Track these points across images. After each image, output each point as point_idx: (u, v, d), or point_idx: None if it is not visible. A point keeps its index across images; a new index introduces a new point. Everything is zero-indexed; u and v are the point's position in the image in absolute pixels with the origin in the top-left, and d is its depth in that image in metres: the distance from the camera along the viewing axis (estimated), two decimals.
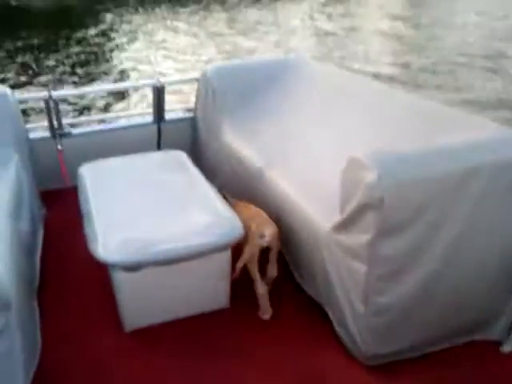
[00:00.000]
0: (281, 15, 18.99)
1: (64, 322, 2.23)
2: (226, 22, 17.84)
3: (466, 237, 1.79)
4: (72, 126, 3.55)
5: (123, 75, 10.92)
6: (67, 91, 4.15)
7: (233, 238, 2.08)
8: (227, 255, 2.16)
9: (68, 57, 12.98)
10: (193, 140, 3.58)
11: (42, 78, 10.51)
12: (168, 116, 3.61)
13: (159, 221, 2.13)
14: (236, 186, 2.79)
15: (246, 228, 2.14)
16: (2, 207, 2.20)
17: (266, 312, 2.23)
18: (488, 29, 14.31)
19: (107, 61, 12.84)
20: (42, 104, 3.25)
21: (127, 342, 2.12)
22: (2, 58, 12.98)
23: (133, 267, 2.00)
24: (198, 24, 17.60)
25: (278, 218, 2.38)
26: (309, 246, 2.16)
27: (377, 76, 8.52)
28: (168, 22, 18.10)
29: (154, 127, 3.57)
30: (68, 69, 11.72)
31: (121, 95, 8.64)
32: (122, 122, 3.90)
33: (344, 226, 1.86)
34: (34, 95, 3.73)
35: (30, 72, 11.38)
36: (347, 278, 1.89)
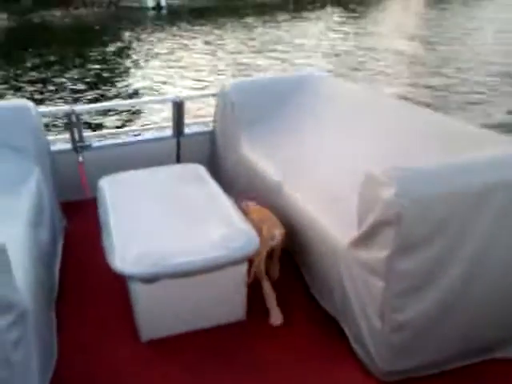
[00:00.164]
0: (297, 34, 19.02)
1: (81, 332, 2.25)
2: (243, 41, 17.97)
3: (485, 253, 1.76)
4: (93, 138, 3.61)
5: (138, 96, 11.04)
6: (89, 106, 4.26)
7: (249, 251, 2.09)
8: (244, 268, 2.17)
9: (84, 75, 13.20)
10: (211, 153, 3.61)
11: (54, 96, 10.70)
12: (187, 130, 3.66)
13: (176, 233, 2.15)
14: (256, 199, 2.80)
15: (258, 230, 2.19)
16: (23, 218, 2.24)
17: (276, 318, 2.25)
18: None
19: (123, 80, 12.99)
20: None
21: (143, 352, 2.12)
22: (16, 76, 13.23)
23: (150, 279, 2.02)
24: (213, 42, 17.76)
25: (295, 231, 2.39)
26: (326, 260, 2.15)
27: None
28: (186, 41, 18.24)
29: (174, 141, 3.62)
30: (82, 87, 11.85)
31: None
32: (142, 136, 3.96)
33: (362, 241, 1.85)
34: (57, 109, 3.82)
35: (43, 90, 11.59)
36: (364, 294, 1.87)
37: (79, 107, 3.35)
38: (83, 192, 3.30)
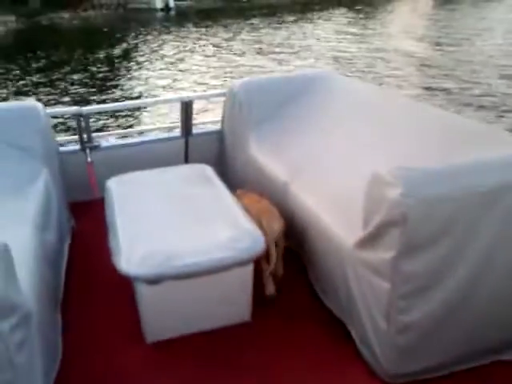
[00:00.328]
0: (303, 36, 18.91)
1: (86, 333, 2.25)
2: (250, 43, 17.93)
3: (492, 254, 1.75)
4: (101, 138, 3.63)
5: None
6: (97, 106, 4.29)
7: (255, 252, 2.09)
8: (249, 269, 2.16)
9: (88, 79, 13.24)
10: (220, 153, 3.62)
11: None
12: (195, 130, 3.66)
13: (182, 234, 2.15)
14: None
15: (257, 223, 2.23)
16: (29, 219, 2.25)
17: (270, 289, 2.36)
18: None
19: (127, 83, 13.01)
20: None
21: (149, 354, 2.12)
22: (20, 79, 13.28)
23: (155, 280, 2.02)
24: (219, 45, 17.74)
25: (302, 231, 2.39)
26: (331, 261, 2.15)
27: None
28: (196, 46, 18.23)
29: (182, 141, 3.63)
30: (84, 90, 11.86)
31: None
32: (151, 136, 3.97)
33: (367, 242, 1.84)
34: (66, 109, 3.84)
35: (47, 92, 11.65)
36: (370, 295, 1.86)
37: (87, 108, 3.37)
38: (92, 192, 3.32)
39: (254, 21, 23.63)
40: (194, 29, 22.24)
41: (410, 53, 14.58)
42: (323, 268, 2.27)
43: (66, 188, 3.06)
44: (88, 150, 3.36)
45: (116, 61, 15.83)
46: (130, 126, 8.51)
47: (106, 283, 2.55)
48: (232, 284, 2.17)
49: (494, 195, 1.69)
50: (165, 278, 2.02)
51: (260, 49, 16.54)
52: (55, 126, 7.42)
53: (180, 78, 13.06)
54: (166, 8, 31.23)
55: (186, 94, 3.56)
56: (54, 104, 10.31)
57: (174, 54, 16.57)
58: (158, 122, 8.57)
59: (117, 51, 17.36)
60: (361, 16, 24.31)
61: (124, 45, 18.63)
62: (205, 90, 10.67)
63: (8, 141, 2.73)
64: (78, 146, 3.39)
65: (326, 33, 19.35)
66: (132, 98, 10.99)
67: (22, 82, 12.92)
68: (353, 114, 2.88)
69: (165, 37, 20.23)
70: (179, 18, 27.33)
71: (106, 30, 23.41)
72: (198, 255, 2.03)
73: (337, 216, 2.19)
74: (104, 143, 3.50)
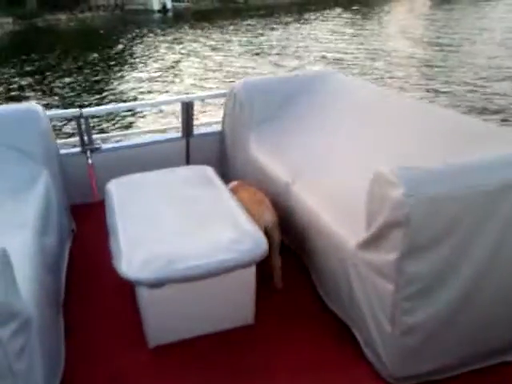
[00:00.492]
0: (300, 37, 18.85)
1: (88, 337, 2.24)
2: (246, 44, 17.89)
3: (496, 254, 1.73)
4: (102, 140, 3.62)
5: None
6: (98, 108, 4.29)
7: (258, 254, 2.07)
8: (252, 271, 2.14)
9: (82, 81, 13.20)
10: (221, 154, 3.61)
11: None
12: (196, 131, 3.65)
13: (184, 237, 2.14)
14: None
15: (249, 213, 2.30)
16: (29, 222, 2.23)
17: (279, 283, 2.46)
18: None
19: (119, 85, 12.99)
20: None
21: (151, 358, 2.11)
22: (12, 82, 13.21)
23: (156, 284, 2.00)
24: (215, 46, 17.70)
25: (304, 232, 2.39)
26: (334, 262, 2.13)
27: None
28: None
29: (183, 142, 3.62)
30: (73, 93, 11.81)
31: None
32: (151, 137, 3.96)
33: (370, 243, 1.83)
34: (66, 111, 3.82)
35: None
36: (373, 297, 1.85)
37: (88, 110, 3.37)
38: (92, 194, 3.31)
39: (251, 22, 23.66)
40: (191, 30, 22.26)
41: (409, 54, 14.53)
42: (325, 269, 2.25)
43: (67, 190, 3.04)
44: (88, 152, 3.35)
45: (110, 63, 15.83)
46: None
47: (107, 287, 2.54)
48: (235, 286, 2.15)
49: (498, 194, 1.67)
50: (166, 282, 2.00)
51: (256, 51, 16.52)
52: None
53: (174, 80, 13.04)
54: (164, 9, 31.26)
55: (185, 95, 3.54)
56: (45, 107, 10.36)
57: (169, 56, 16.56)
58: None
59: (111, 53, 17.37)
60: (358, 16, 24.33)
61: (119, 47, 18.65)
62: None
63: (8, 143, 2.71)
64: (78, 148, 3.37)
65: (323, 34, 19.35)
66: (123, 101, 10.97)
67: (12, 86, 12.89)
68: (355, 113, 2.87)
69: (161, 38, 20.26)
70: (176, 20, 27.35)
71: (102, 31, 23.42)
72: (199, 258, 2.01)
73: (339, 217, 2.17)
74: (105, 145, 3.48)
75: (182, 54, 16.75)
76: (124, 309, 2.37)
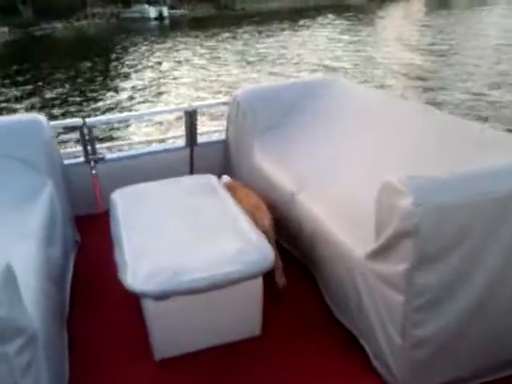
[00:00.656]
0: (295, 45, 18.82)
1: (93, 350, 2.21)
2: (240, 53, 17.90)
3: (508, 263, 1.71)
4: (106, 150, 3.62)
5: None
6: (101, 117, 4.29)
7: (264, 265, 2.04)
8: (259, 282, 2.12)
9: (73, 90, 13.17)
10: (225, 163, 3.60)
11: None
12: (200, 139, 3.64)
13: (189, 248, 2.11)
14: (267, 208, 2.77)
15: (250, 215, 2.38)
16: (33, 233, 2.21)
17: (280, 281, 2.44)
18: None
19: (111, 95, 12.97)
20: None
21: (157, 371, 2.08)
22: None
23: (162, 296, 1.98)
24: (206, 56, 17.71)
25: (310, 242, 2.37)
26: (342, 273, 2.11)
27: None
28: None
29: (187, 151, 3.61)
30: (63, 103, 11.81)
31: None
32: (155, 147, 3.95)
33: (379, 253, 1.81)
34: (69, 121, 3.80)
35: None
36: (382, 308, 1.83)
37: (91, 119, 3.35)
38: (96, 205, 3.29)
39: (246, 29, 23.72)
40: (185, 39, 22.31)
41: (407, 61, 14.52)
42: (333, 279, 2.23)
43: (71, 201, 3.02)
44: (92, 163, 3.33)
45: (100, 73, 15.82)
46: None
47: (111, 298, 2.51)
48: (241, 298, 2.13)
49: (507, 201, 1.65)
50: (172, 294, 1.98)
51: (251, 59, 16.53)
52: None
53: (166, 90, 13.03)
54: (160, 17, 31.34)
55: (188, 104, 3.54)
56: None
57: (162, 65, 16.57)
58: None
59: (104, 63, 17.38)
60: (354, 23, 24.41)
61: (113, 55, 18.69)
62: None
63: (11, 154, 2.70)
64: (82, 159, 3.36)
65: (319, 41, 19.38)
66: (118, 112, 10.99)
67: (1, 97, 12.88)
68: (360, 120, 2.85)
69: (156, 46, 20.29)
70: (173, 27, 27.43)
71: (96, 40, 23.49)
72: (205, 270, 1.98)
73: (346, 226, 2.16)
74: (109, 155, 3.47)
75: (176, 63, 16.77)
76: (129, 321, 2.35)
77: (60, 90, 13.45)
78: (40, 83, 14.20)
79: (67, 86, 13.84)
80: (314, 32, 22.01)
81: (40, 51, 20.42)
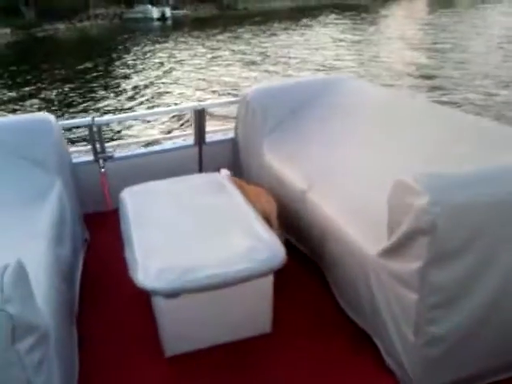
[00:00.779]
0: (299, 44, 18.75)
1: (103, 347, 2.21)
2: (242, 53, 17.86)
3: None
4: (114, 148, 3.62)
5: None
6: (109, 117, 4.31)
7: (275, 263, 2.03)
8: (270, 280, 2.12)
9: (72, 89, 13.16)
10: (234, 161, 3.59)
11: None
12: (209, 138, 3.64)
13: (200, 246, 2.11)
14: (278, 206, 2.76)
15: (254, 204, 2.47)
16: (43, 232, 2.21)
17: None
18: None
19: (112, 97, 12.95)
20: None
21: (167, 368, 2.08)
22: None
23: (173, 294, 1.98)
24: (206, 56, 17.67)
25: (322, 241, 2.36)
26: (355, 271, 2.10)
27: None
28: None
29: (196, 149, 3.62)
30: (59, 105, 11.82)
31: None
32: (164, 145, 3.95)
33: (393, 251, 1.80)
34: (78, 121, 3.81)
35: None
36: (396, 307, 1.82)
37: (100, 118, 3.36)
38: (106, 203, 3.30)
39: (248, 28, 23.71)
40: (188, 39, 22.32)
41: (411, 60, 14.45)
42: (345, 277, 2.23)
43: (80, 199, 3.03)
44: (101, 161, 3.34)
45: (100, 73, 15.82)
46: None
47: (121, 296, 2.51)
48: (252, 295, 2.12)
49: None
50: (183, 291, 1.98)
51: (253, 59, 16.50)
52: None
53: (166, 90, 13.01)
54: (163, 17, 31.38)
55: (197, 103, 3.54)
56: None
57: (164, 65, 16.55)
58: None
59: (104, 63, 17.39)
60: (357, 22, 24.37)
61: (114, 55, 18.69)
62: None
63: (20, 153, 2.70)
64: (91, 157, 3.36)
65: (322, 40, 19.34)
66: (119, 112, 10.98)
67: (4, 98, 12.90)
68: (372, 118, 2.84)
69: (157, 46, 20.28)
70: (175, 28, 27.46)
71: (99, 40, 23.54)
72: (216, 267, 1.98)
73: (357, 224, 2.15)
74: (117, 153, 3.47)
75: (177, 63, 16.76)
76: (138, 318, 2.35)
77: (62, 90, 13.47)
78: (41, 84, 14.22)
79: (69, 86, 13.86)
80: (317, 31, 21.98)
81: (42, 52, 20.46)
